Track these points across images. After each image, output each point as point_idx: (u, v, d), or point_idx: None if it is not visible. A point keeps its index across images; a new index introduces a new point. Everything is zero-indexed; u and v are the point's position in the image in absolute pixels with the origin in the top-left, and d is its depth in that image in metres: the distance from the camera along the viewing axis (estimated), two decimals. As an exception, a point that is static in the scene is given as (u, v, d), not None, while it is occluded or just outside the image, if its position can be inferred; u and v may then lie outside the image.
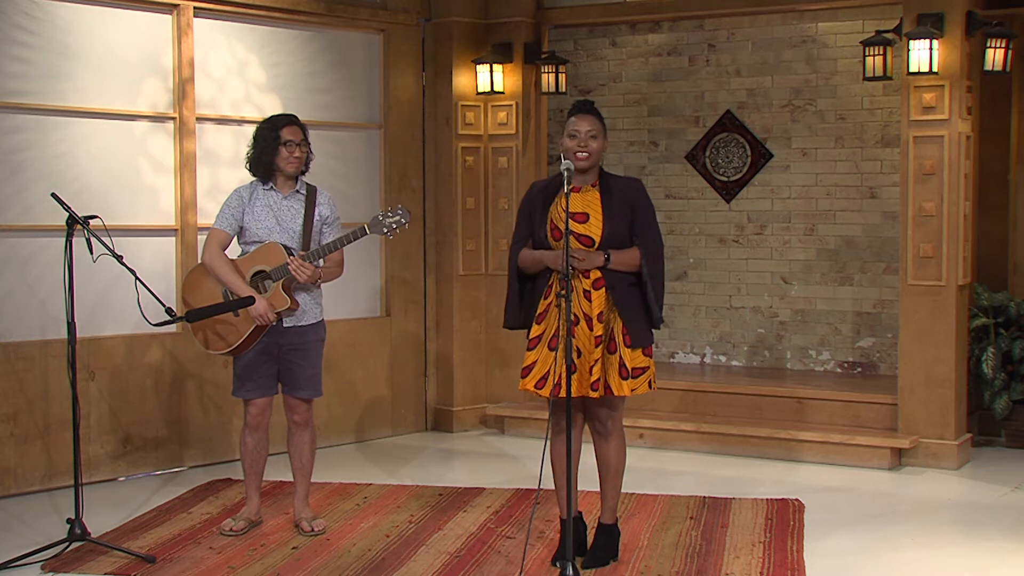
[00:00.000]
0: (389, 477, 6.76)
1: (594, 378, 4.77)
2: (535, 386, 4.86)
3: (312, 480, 5.73)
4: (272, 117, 5.55)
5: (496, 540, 5.42)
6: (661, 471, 6.83)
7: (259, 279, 5.38)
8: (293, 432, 5.56)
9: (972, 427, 7.29)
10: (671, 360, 8.93)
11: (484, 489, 6.38)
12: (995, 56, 6.86)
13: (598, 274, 4.81)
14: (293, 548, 5.32)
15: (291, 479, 5.69)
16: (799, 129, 8.46)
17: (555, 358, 4.79)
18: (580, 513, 5.17)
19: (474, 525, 5.68)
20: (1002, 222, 7.76)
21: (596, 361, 4.77)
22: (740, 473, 6.83)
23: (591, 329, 4.79)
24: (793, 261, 8.52)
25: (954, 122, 6.81)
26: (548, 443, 4.85)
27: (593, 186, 4.90)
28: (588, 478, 5.29)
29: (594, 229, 4.82)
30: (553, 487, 5.05)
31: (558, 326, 4.81)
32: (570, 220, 4.73)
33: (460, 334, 8.09)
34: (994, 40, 6.85)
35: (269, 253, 5.36)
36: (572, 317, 4.71)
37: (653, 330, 4.95)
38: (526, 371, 4.90)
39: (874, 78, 7.18)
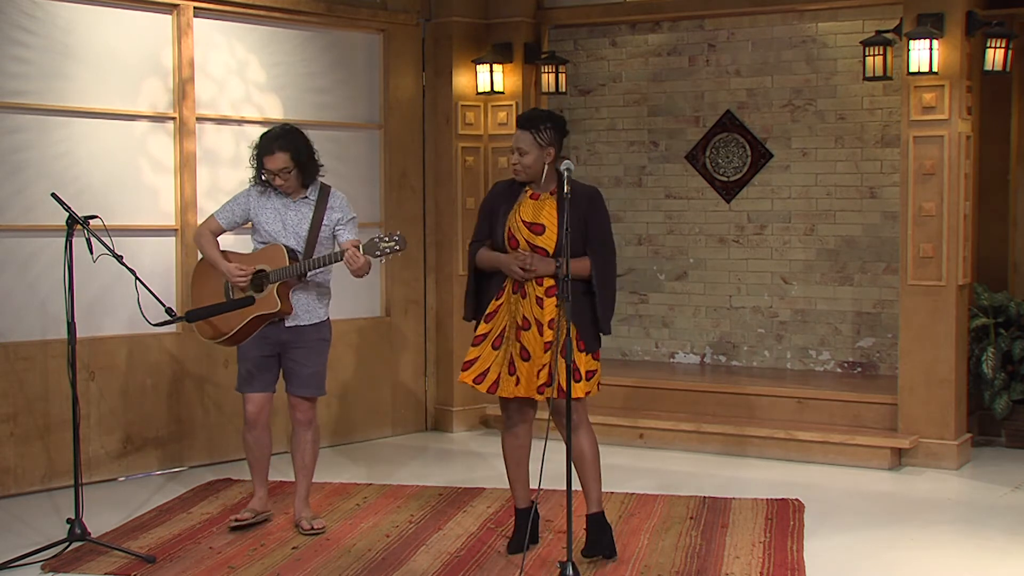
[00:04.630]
0: (389, 477, 6.76)
1: (541, 381, 4.89)
2: (474, 380, 5.03)
3: (312, 480, 5.73)
4: (261, 139, 5.46)
5: (496, 540, 5.42)
6: (661, 471, 6.83)
7: (259, 278, 5.41)
8: (296, 431, 5.58)
9: (972, 427, 7.30)
10: (671, 360, 8.93)
11: (484, 489, 6.38)
12: (995, 56, 6.87)
13: (551, 282, 4.91)
14: (293, 548, 5.32)
15: (292, 479, 5.70)
16: (799, 129, 8.46)
17: (496, 357, 5.01)
18: (534, 503, 5.18)
19: (474, 525, 5.68)
20: (1002, 222, 7.77)
21: (544, 365, 4.89)
22: (740, 473, 6.83)
23: (541, 334, 4.91)
24: (793, 261, 8.51)
25: (954, 122, 6.81)
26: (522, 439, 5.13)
27: (551, 194, 4.98)
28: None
29: (548, 242, 4.93)
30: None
31: (504, 327, 5.00)
32: (527, 230, 4.94)
33: (460, 334, 8.07)
34: (994, 40, 6.85)
35: (272, 254, 5.42)
36: (520, 321, 4.94)
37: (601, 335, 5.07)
38: (467, 365, 5.06)
39: (874, 78, 7.18)
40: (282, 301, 5.38)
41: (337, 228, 5.52)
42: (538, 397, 4.94)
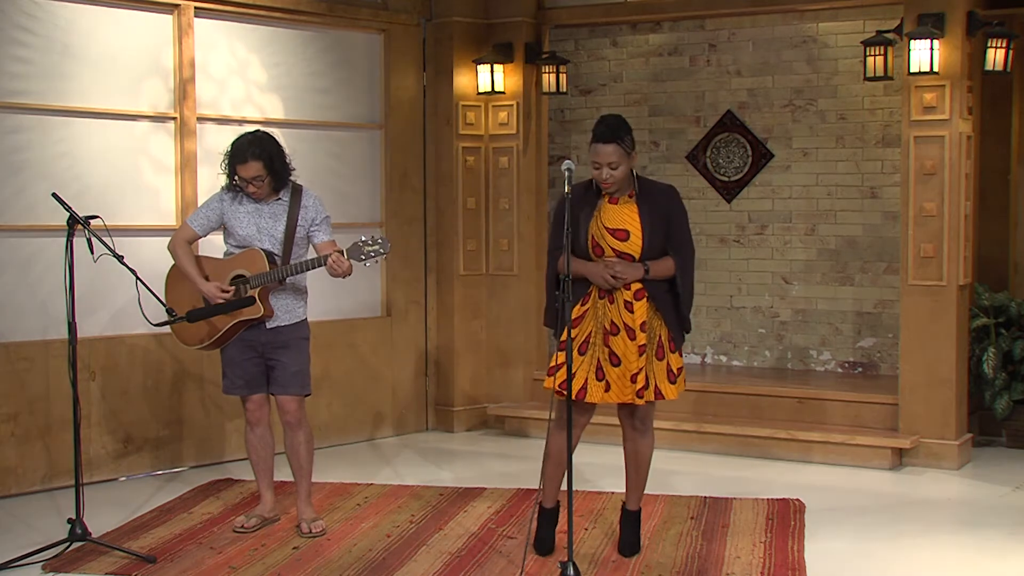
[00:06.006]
0: (389, 477, 6.76)
1: (639, 386, 4.87)
2: (559, 386, 4.92)
3: (312, 480, 5.72)
4: (233, 147, 5.38)
5: (497, 540, 5.42)
6: (662, 471, 6.80)
7: (238, 283, 5.40)
8: (287, 434, 5.56)
9: (973, 427, 7.30)
10: (672, 360, 8.92)
11: (485, 489, 6.38)
12: (996, 56, 6.86)
13: (639, 285, 4.88)
14: (294, 548, 5.32)
15: (292, 479, 5.70)
16: (800, 129, 8.46)
17: (582, 363, 4.94)
18: (558, 503, 5.18)
19: (475, 525, 5.68)
20: (1003, 222, 7.76)
21: (640, 369, 4.87)
22: (741, 473, 6.83)
23: (633, 339, 4.86)
24: (794, 261, 8.51)
25: (955, 122, 6.81)
26: (550, 435, 5.01)
27: (630, 196, 4.94)
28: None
29: (634, 247, 4.89)
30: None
31: (591, 332, 4.95)
32: (611, 237, 4.89)
33: (461, 334, 8.08)
34: (995, 40, 6.85)
35: (251, 259, 5.39)
36: (607, 326, 4.89)
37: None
38: (552, 370, 4.96)
39: (875, 78, 7.18)
40: (264, 305, 5.38)
41: (312, 229, 5.48)
42: (638, 401, 4.90)
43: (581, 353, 4.95)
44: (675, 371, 4.98)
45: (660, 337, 4.94)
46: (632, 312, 4.86)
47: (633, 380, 4.87)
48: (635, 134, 8.82)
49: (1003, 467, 6.93)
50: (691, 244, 5.05)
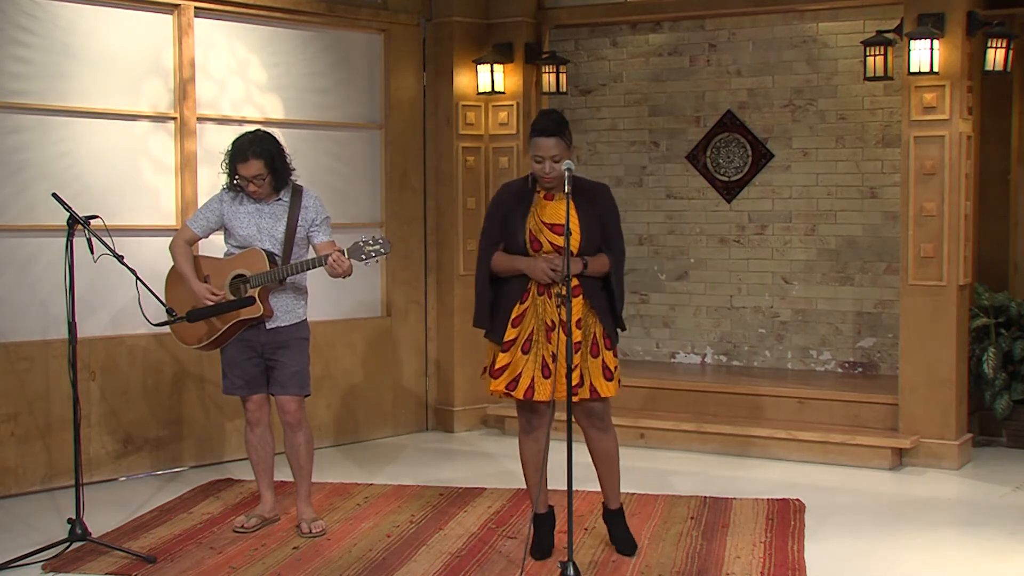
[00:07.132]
0: (389, 477, 6.76)
1: (573, 383, 4.83)
2: (506, 387, 4.96)
3: (312, 480, 5.72)
4: (233, 146, 5.39)
5: (497, 540, 5.42)
6: (662, 471, 6.83)
7: (238, 283, 5.40)
8: (287, 434, 5.56)
9: (973, 427, 7.30)
10: (672, 360, 8.93)
11: (485, 489, 6.39)
12: (996, 56, 6.86)
13: (575, 281, 4.88)
14: (294, 548, 5.32)
15: (292, 479, 5.70)
16: (800, 129, 8.45)
17: (527, 361, 4.93)
18: (551, 507, 5.20)
19: (475, 525, 5.68)
20: (1003, 222, 7.76)
21: (575, 366, 4.84)
22: (741, 473, 6.83)
23: (568, 335, 4.82)
24: (794, 261, 8.51)
25: (955, 122, 6.81)
26: (519, 442, 5.09)
27: (566, 193, 4.94)
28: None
29: (572, 241, 4.85)
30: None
31: (532, 330, 4.93)
32: (549, 231, 4.89)
33: (460, 334, 8.08)
34: (995, 40, 6.85)
35: (251, 259, 5.40)
36: (548, 323, 4.88)
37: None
38: (498, 372, 4.98)
39: (875, 78, 7.18)
40: (264, 305, 5.38)
41: (312, 229, 5.48)
42: (571, 398, 4.87)
43: (525, 352, 4.93)
44: (611, 369, 4.95)
45: (595, 334, 4.94)
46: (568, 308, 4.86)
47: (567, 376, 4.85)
48: (635, 134, 9.00)
49: (1003, 467, 6.93)
50: (622, 243, 5.04)
